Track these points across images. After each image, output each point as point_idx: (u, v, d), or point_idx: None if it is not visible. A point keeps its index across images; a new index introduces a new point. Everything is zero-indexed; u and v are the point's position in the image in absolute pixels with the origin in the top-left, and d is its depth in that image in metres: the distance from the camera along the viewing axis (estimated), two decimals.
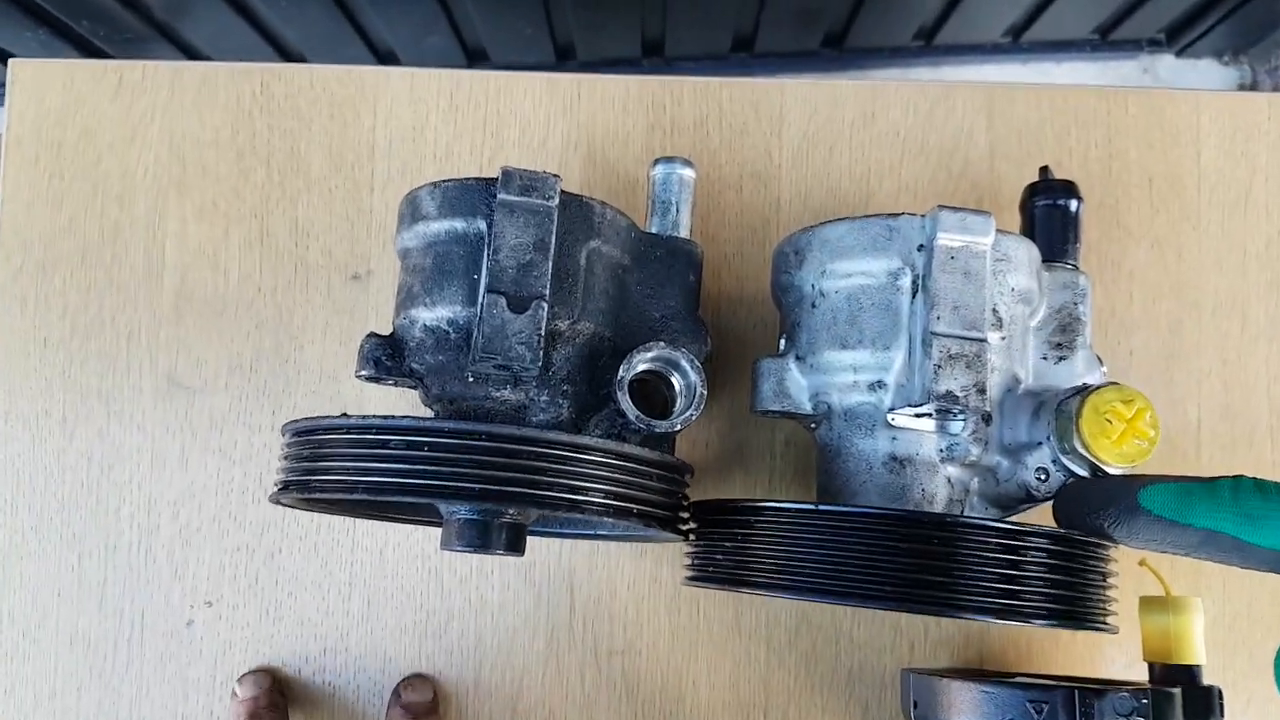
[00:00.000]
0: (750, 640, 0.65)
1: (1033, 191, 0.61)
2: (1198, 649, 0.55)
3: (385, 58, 1.70)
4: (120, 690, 0.65)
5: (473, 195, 0.52)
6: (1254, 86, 1.83)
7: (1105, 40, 1.84)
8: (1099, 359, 0.58)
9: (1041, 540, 0.46)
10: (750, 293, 0.67)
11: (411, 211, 0.54)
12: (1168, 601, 0.57)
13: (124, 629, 0.65)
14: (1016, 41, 1.80)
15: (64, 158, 0.69)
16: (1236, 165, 0.69)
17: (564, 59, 1.69)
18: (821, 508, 0.46)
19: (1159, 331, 0.67)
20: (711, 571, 0.50)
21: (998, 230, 0.52)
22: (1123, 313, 0.67)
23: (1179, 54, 1.86)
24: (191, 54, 1.66)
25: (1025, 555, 0.46)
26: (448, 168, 0.68)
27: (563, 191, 0.52)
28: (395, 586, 0.66)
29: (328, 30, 1.59)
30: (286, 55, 1.68)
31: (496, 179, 0.51)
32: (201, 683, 0.65)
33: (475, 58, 1.70)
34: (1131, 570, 0.62)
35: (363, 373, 0.55)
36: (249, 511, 0.66)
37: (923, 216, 0.52)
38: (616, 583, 0.66)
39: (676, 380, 0.55)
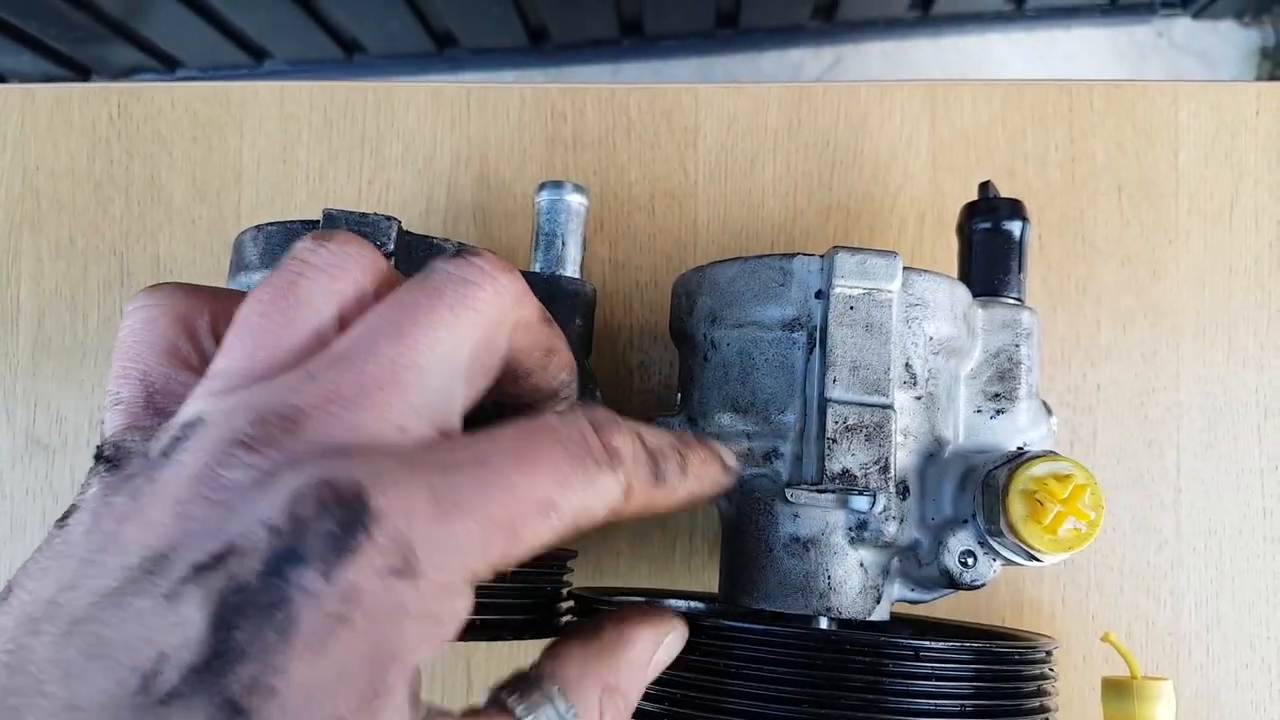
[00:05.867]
0: None
1: (971, 212, 0.53)
2: None
3: (350, 46, 1.63)
4: None
5: (297, 240, 0.45)
6: (1277, 50, 1.70)
7: (1116, 4, 1.72)
8: (1047, 409, 0.50)
9: (965, 659, 0.39)
10: (665, 326, 0.60)
11: (236, 258, 0.47)
12: (1133, 685, 0.49)
13: None
14: (1020, 8, 1.69)
15: None
16: (1220, 168, 0.60)
17: (538, 41, 1.61)
18: (692, 613, 0.39)
19: (1131, 362, 0.59)
20: None
21: (911, 269, 0.44)
22: (1089, 342, 0.59)
23: (1196, 16, 1.73)
24: (151, 52, 1.60)
25: (949, 679, 0.38)
26: (321, 191, 0.61)
27: (406, 232, 0.45)
28: None
29: (288, 21, 1.52)
30: (248, 49, 1.61)
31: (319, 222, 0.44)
32: None
33: (444, 42, 1.62)
34: (1094, 646, 0.55)
35: None
36: None
37: (820, 257, 0.44)
38: (519, 659, 0.59)
39: None
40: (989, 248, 0.52)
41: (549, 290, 0.51)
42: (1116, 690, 0.50)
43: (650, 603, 0.42)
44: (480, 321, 0.29)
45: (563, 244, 0.53)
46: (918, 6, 1.64)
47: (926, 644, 0.38)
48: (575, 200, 0.53)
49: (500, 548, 0.25)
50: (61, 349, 0.61)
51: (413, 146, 0.61)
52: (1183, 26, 1.74)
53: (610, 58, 1.68)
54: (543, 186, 0.54)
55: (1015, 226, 0.52)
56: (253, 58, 1.64)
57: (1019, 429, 0.48)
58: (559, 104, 0.61)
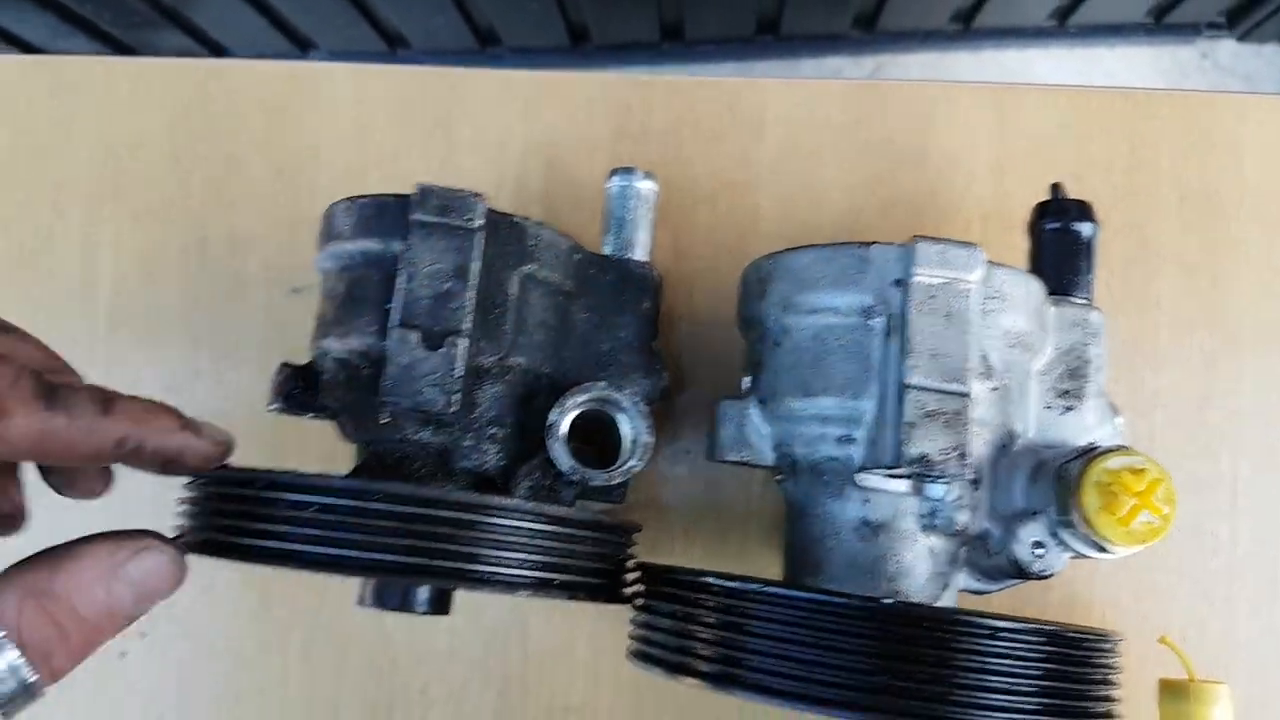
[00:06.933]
0: (724, 707, 0.59)
1: (1042, 212, 0.54)
2: None
3: (394, 40, 1.65)
4: None
5: (389, 214, 0.46)
6: None
7: (1160, 24, 1.72)
8: (1114, 408, 0.50)
9: (1038, 641, 0.39)
10: (726, 316, 0.60)
11: (327, 229, 0.49)
12: (1190, 687, 0.50)
13: None
14: (1063, 25, 1.69)
15: None
16: None
17: (579, 41, 1.62)
18: (768, 589, 0.40)
19: (1190, 369, 0.59)
20: (653, 652, 0.44)
21: (991, 263, 0.45)
22: (1149, 347, 0.59)
23: (1241, 38, 1.73)
24: (200, 39, 1.62)
25: (1021, 657, 0.39)
26: (394, 172, 0.62)
27: (491, 210, 0.46)
28: (336, 625, 0.60)
29: (334, 13, 1.54)
30: (294, 39, 1.63)
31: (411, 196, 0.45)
32: (133, 719, 0.61)
33: (487, 40, 1.64)
34: (1151, 648, 0.55)
35: (273, 406, 0.49)
36: None
37: (900, 246, 0.45)
38: (576, 632, 0.60)
39: (622, 425, 0.48)
40: (1059, 248, 0.52)
41: (618, 274, 0.52)
42: (1173, 692, 0.50)
43: (704, 577, 0.43)
44: None
45: (633, 229, 0.54)
46: (959, 19, 1.65)
47: (1003, 623, 0.39)
48: (646, 187, 0.54)
49: None
50: (138, 317, 0.63)
51: (484, 133, 0.62)
52: (1227, 48, 1.74)
53: (650, 60, 1.69)
54: (614, 173, 0.55)
55: (1085, 228, 0.53)
56: (298, 47, 1.66)
57: (1086, 427, 0.49)
58: (628, 96, 0.62)
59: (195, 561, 0.61)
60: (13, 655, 0.29)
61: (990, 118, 0.61)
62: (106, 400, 0.34)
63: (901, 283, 0.44)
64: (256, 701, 0.61)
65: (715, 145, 0.61)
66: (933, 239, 0.43)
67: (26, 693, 0.30)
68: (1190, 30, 1.75)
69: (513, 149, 0.62)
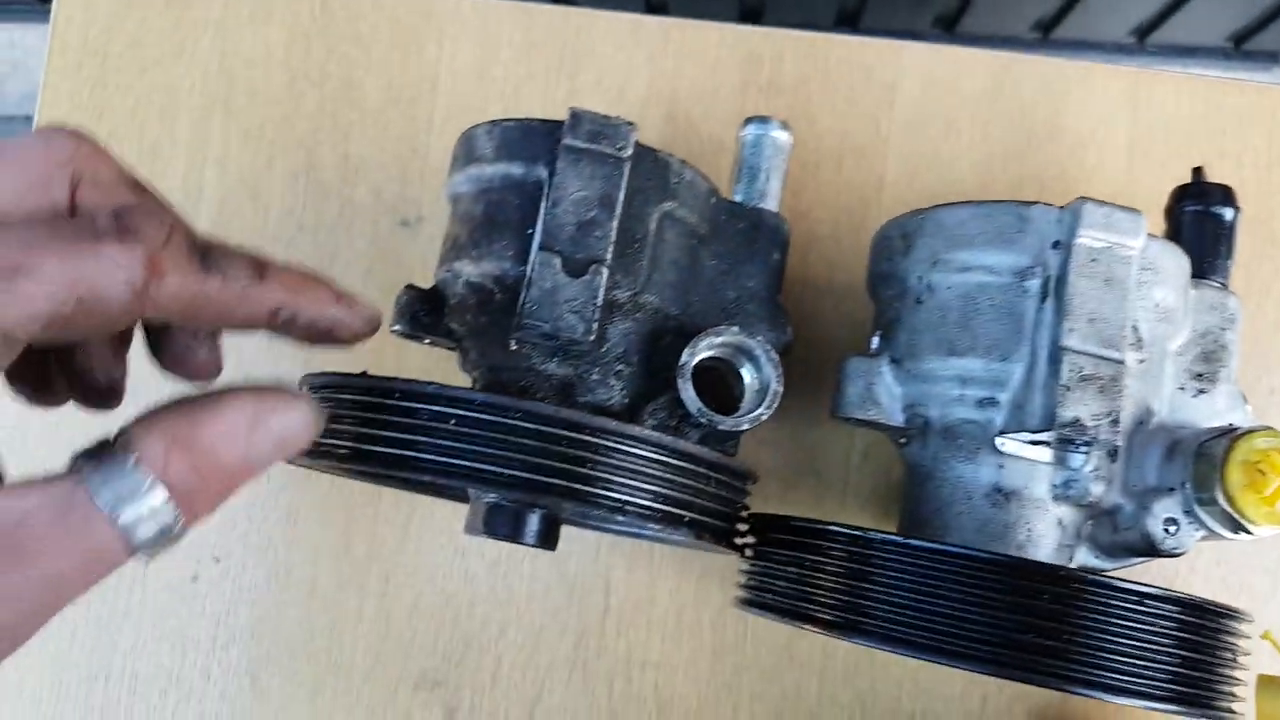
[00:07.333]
0: (802, 670, 0.58)
1: (1182, 194, 0.53)
2: None
3: None
4: (115, 640, 0.60)
5: (535, 138, 0.45)
6: None
7: (1239, 49, 1.70)
8: (1243, 396, 0.49)
9: (1175, 609, 0.38)
10: (840, 282, 0.60)
11: (466, 151, 0.48)
12: None
13: (124, 575, 0.60)
14: (1142, 43, 1.67)
15: (108, 68, 0.64)
16: None
17: (655, 12, 1.61)
18: (911, 541, 0.39)
19: None
20: (770, 599, 0.43)
21: (1147, 234, 0.44)
22: (1267, 345, 0.58)
23: None
24: None
25: (1156, 626, 0.38)
26: (514, 110, 0.61)
27: (638, 144, 0.45)
28: (417, 563, 0.60)
29: None
30: None
31: (563, 121, 0.44)
32: (201, 643, 0.60)
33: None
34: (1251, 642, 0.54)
35: (396, 327, 0.48)
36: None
37: (1061, 209, 0.44)
38: (658, 587, 0.59)
39: (747, 373, 0.47)
40: (1199, 230, 0.51)
41: (751, 222, 0.51)
42: (1274, 688, 0.49)
43: (839, 528, 0.42)
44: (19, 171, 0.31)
45: (766, 178, 0.53)
46: (1040, 28, 1.63)
47: (1147, 588, 0.38)
48: (781, 136, 0.53)
49: None
50: (240, 235, 0.62)
51: (607, 76, 0.62)
52: None
53: (726, 24, 1.69)
54: (749, 121, 0.54)
55: (1227, 212, 0.51)
56: None
57: (1217, 411, 0.48)
58: (758, 47, 0.61)
59: (279, 487, 0.60)
60: (162, 496, 0.29)
61: (1126, 101, 0.60)
62: (261, 266, 0.33)
63: (1060, 244, 0.43)
64: (329, 635, 0.60)
65: (845, 106, 0.60)
66: (1099, 201, 0.42)
67: (169, 534, 0.30)
68: (1268, 58, 1.73)
69: (633, 95, 0.61)
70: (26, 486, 0.28)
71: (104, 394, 0.37)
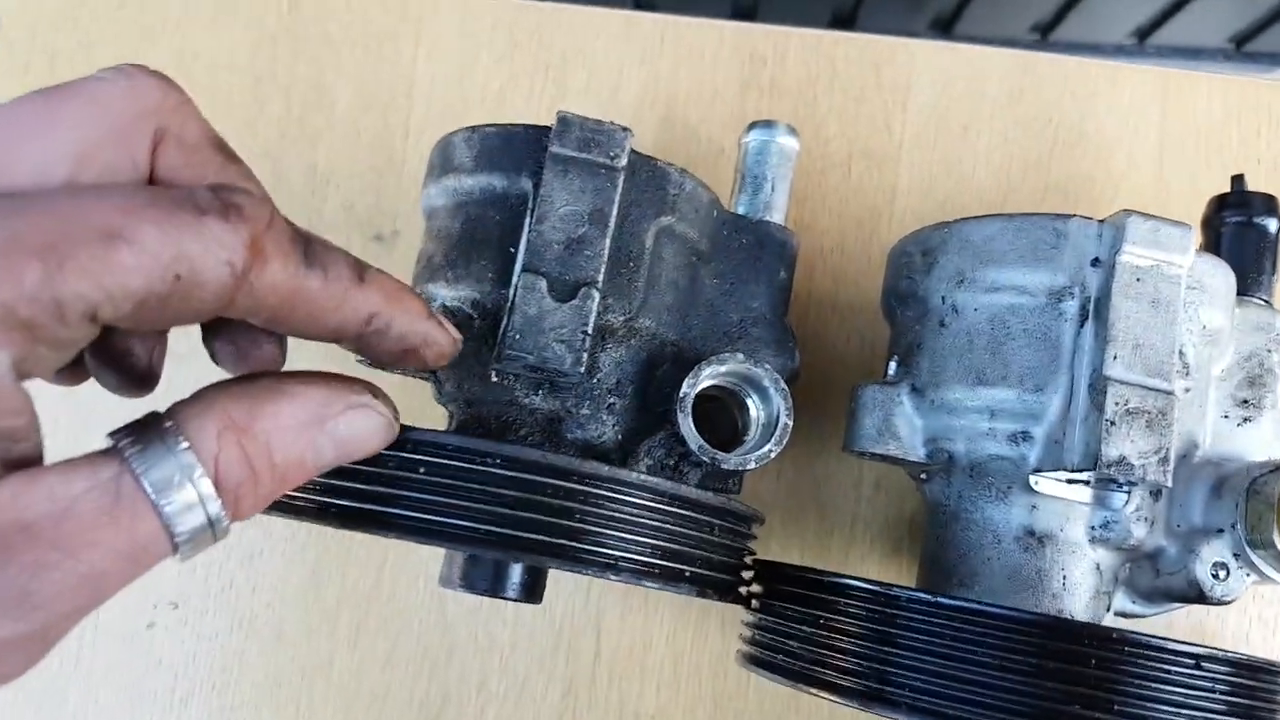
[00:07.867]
0: None
1: (1222, 204, 0.48)
2: None
3: None
4: (64, 694, 0.55)
5: (519, 146, 0.41)
6: None
7: (1240, 51, 1.67)
8: None
9: (1233, 672, 0.34)
10: (849, 298, 0.55)
11: (442, 161, 0.43)
12: None
13: None
14: (1141, 45, 1.64)
15: (58, 69, 0.59)
16: None
17: (642, 8, 1.57)
18: (942, 600, 0.34)
19: None
20: (779, 660, 0.39)
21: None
22: None
23: None
24: None
25: (1213, 691, 0.34)
26: (497, 115, 0.56)
27: (633, 151, 0.41)
28: (391, 610, 0.55)
29: None
30: None
31: (550, 127, 0.40)
32: (158, 695, 0.55)
33: None
34: None
35: (363, 359, 0.44)
36: None
37: (1101, 222, 0.39)
38: (653, 633, 0.55)
39: (753, 404, 0.43)
40: (1241, 243, 0.47)
41: (755, 236, 0.47)
42: None
43: (856, 583, 0.37)
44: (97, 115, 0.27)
45: (771, 188, 0.49)
46: (1038, 30, 1.60)
47: (1203, 649, 0.33)
48: (787, 143, 0.49)
49: (34, 277, 0.22)
50: None
51: (598, 77, 0.57)
52: None
53: (725, 21, 1.65)
54: (752, 126, 0.49)
55: (1271, 223, 0.47)
56: None
57: (1265, 441, 0.43)
58: (759, 46, 0.57)
59: (241, 528, 0.56)
60: (207, 488, 0.26)
61: (1155, 103, 0.56)
62: (361, 268, 0.29)
63: (1101, 262, 0.39)
64: (296, 686, 0.55)
65: (854, 108, 0.56)
66: (1144, 215, 0.38)
67: (212, 530, 0.26)
68: (1269, 60, 1.70)
69: (627, 97, 0.57)
70: (69, 468, 0.25)
71: (142, 378, 0.32)
